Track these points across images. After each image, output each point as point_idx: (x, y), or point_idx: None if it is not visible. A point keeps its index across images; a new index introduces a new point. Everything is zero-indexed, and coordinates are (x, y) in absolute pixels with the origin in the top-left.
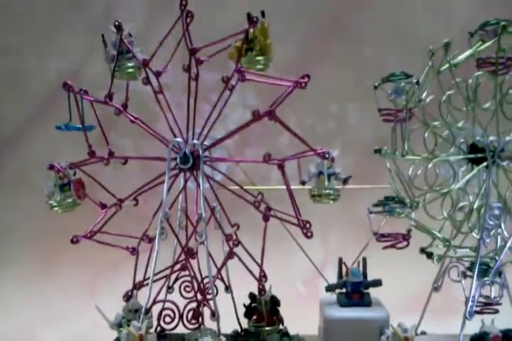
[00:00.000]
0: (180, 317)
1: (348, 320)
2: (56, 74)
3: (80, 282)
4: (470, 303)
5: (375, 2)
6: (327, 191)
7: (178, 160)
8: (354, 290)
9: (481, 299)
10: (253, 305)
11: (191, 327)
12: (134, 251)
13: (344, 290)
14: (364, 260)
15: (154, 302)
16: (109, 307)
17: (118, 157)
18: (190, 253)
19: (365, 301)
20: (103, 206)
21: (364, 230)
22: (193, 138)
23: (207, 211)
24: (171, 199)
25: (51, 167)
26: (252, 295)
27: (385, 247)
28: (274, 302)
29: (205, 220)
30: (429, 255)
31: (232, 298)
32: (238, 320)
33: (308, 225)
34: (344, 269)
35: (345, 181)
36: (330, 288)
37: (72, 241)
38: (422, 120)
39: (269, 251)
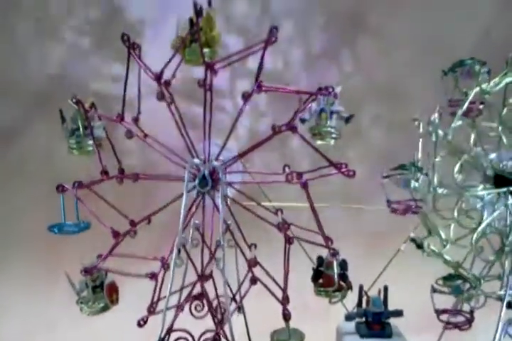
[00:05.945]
0: None
1: None
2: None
3: None
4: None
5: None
6: (328, 129)
7: (197, 184)
8: (375, 320)
9: None
10: (320, 268)
11: None
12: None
13: (364, 319)
14: (385, 288)
15: (169, 331)
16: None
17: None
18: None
19: (386, 332)
20: (149, 275)
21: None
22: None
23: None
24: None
25: (86, 271)
26: (320, 259)
27: (448, 328)
28: (343, 266)
29: (224, 248)
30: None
31: (245, 319)
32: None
33: (344, 165)
34: (365, 298)
35: (347, 120)
36: (350, 317)
37: (139, 325)
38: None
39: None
